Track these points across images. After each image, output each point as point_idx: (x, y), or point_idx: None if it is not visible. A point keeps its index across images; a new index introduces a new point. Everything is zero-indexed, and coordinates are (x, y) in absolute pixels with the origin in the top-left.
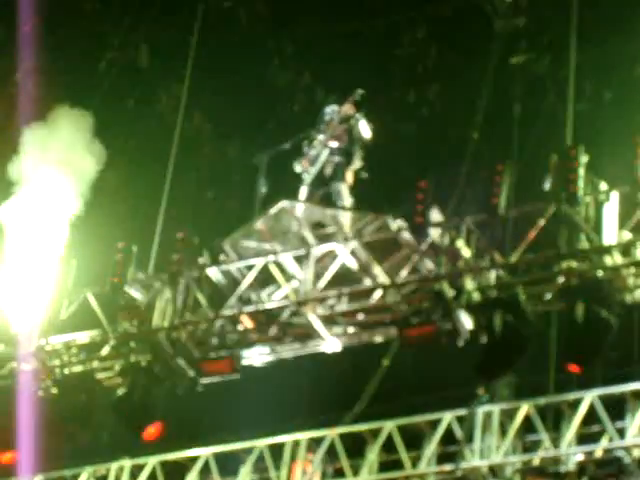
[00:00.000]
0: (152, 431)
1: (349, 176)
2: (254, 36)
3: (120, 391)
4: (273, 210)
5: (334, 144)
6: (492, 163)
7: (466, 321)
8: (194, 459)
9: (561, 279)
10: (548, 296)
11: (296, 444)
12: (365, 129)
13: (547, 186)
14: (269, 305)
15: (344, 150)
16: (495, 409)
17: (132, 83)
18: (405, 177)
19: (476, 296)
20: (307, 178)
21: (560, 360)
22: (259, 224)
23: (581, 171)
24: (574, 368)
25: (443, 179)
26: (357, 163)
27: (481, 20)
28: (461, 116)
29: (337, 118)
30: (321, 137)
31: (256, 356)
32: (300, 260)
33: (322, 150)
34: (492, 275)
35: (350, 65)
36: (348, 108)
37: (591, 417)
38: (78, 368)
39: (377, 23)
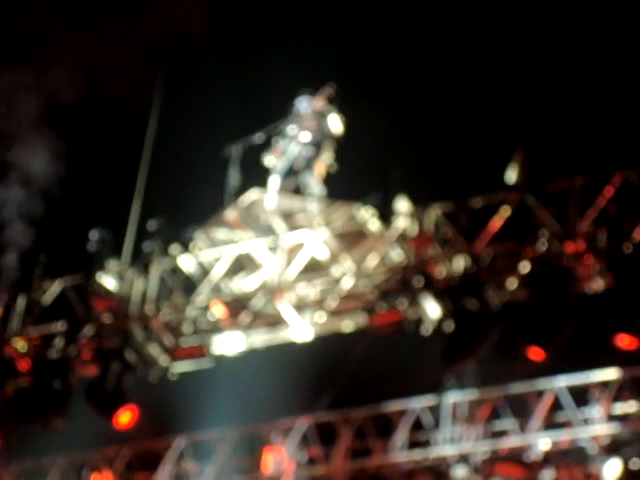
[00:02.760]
0: (126, 418)
1: (319, 167)
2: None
3: (93, 377)
4: (244, 200)
5: (305, 136)
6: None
7: (432, 309)
8: (169, 446)
9: (525, 268)
10: (513, 284)
11: (269, 432)
12: (336, 123)
13: (511, 176)
14: (240, 294)
15: (314, 143)
16: (463, 397)
17: None
18: (373, 166)
19: (442, 285)
20: (277, 169)
21: (524, 346)
22: (230, 214)
23: None
24: (536, 354)
25: (411, 168)
26: (327, 155)
27: None
28: (430, 105)
29: (309, 110)
30: (292, 129)
31: (228, 344)
32: (271, 249)
33: (292, 142)
34: (458, 263)
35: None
36: (319, 101)
37: (557, 406)
38: (54, 356)
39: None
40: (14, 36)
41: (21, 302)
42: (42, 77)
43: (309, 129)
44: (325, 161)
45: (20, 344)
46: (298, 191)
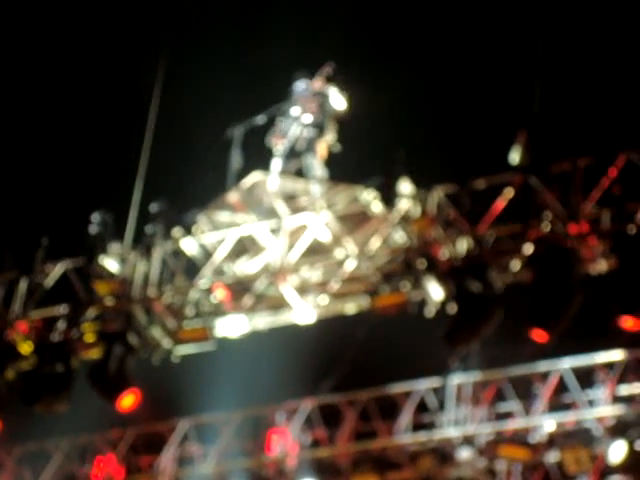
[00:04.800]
0: (129, 401)
1: (321, 148)
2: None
3: (95, 360)
4: (246, 182)
5: (306, 118)
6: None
7: (435, 291)
8: (173, 429)
9: (529, 249)
10: (516, 266)
11: (273, 414)
12: (338, 101)
13: (514, 158)
14: (243, 276)
15: (316, 123)
16: (468, 379)
17: None
18: (376, 148)
19: (445, 267)
20: (280, 151)
21: (528, 328)
22: (232, 196)
23: None
24: (539, 335)
25: (414, 150)
26: (329, 136)
27: None
28: (433, 86)
29: (309, 91)
30: (293, 111)
31: (231, 327)
32: (273, 232)
33: (294, 124)
34: (461, 245)
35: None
36: (320, 81)
37: (562, 387)
38: (56, 339)
39: None
40: None
41: (23, 285)
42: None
43: (310, 110)
44: (327, 142)
45: (22, 327)
46: (300, 173)
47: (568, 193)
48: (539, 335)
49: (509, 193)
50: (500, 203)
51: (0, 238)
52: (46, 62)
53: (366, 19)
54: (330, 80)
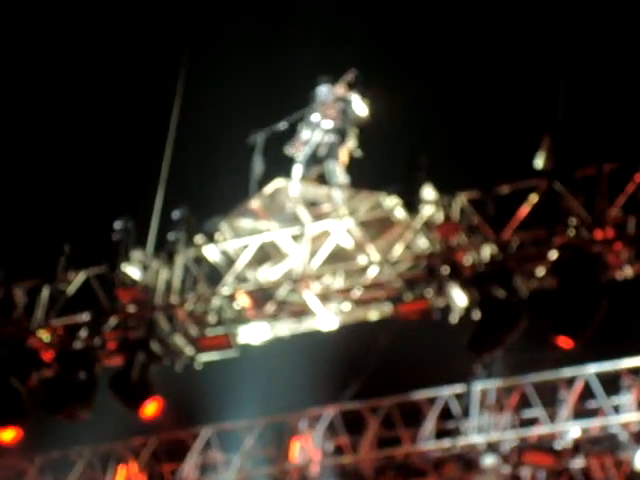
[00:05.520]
0: (152, 408)
1: (343, 155)
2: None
3: (118, 368)
4: (268, 189)
5: (328, 124)
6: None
7: (459, 297)
8: (195, 436)
9: (553, 255)
10: (541, 272)
11: (295, 421)
12: (360, 107)
13: (539, 163)
14: (265, 283)
15: (338, 129)
16: (492, 385)
17: None
18: (399, 154)
19: (469, 273)
20: (301, 158)
21: (553, 335)
22: (255, 203)
23: None
24: (566, 342)
25: (437, 156)
26: (351, 142)
27: None
28: (456, 91)
29: (331, 97)
30: (315, 117)
31: (253, 334)
32: (295, 238)
33: (315, 130)
34: (485, 252)
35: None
36: (342, 87)
37: (587, 393)
38: (78, 347)
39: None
40: None
41: (45, 293)
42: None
43: (332, 116)
44: (349, 148)
45: (44, 335)
46: (322, 179)
47: (593, 198)
48: (565, 342)
49: (533, 199)
50: (524, 209)
51: (22, 245)
52: (67, 68)
53: (390, 24)
54: (352, 86)
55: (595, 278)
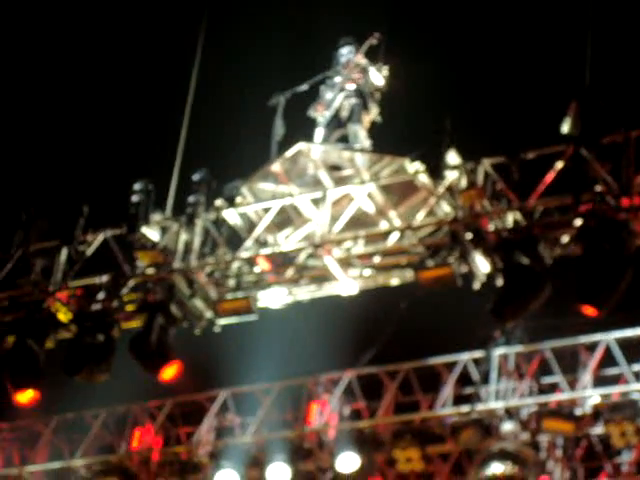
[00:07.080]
0: (171, 372)
1: (365, 119)
2: None
3: (137, 331)
4: (290, 152)
5: (350, 86)
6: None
7: (482, 264)
8: (212, 399)
9: (578, 222)
10: (565, 239)
11: (313, 385)
12: (382, 73)
13: (565, 129)
14: (285, 247)
15: (360, 91)
16: (511, 351)
17: None
18: (423, 120)
19: (493, 239)
20: (323, 121)
21: (577, 303)
22: (276, 166)
23: None
24: (590, 311)
25: (462, 121)
26: (373, 108)
27: None
28: (481, 56)
29: (353, 60)
30: (337, 79)
31: (273, 298)
32: (316, 202)
33: (338, 92)
34: (509, 218)
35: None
36: (365, 51)
37: (608, 360)
38: (97, 309)
39: None
40: None
41: (63, 254)
42: None
43: (354, 79)
44: (371, 112)
45: (62, 296)
46: (344, 141)
47: (620, 165)
48: (589, 310)
49: (559, 165)
50: (550, 175)
51: (41, 206)
52: (86, 31)
53: None
54: (376, 50)
55: (620, 246)
